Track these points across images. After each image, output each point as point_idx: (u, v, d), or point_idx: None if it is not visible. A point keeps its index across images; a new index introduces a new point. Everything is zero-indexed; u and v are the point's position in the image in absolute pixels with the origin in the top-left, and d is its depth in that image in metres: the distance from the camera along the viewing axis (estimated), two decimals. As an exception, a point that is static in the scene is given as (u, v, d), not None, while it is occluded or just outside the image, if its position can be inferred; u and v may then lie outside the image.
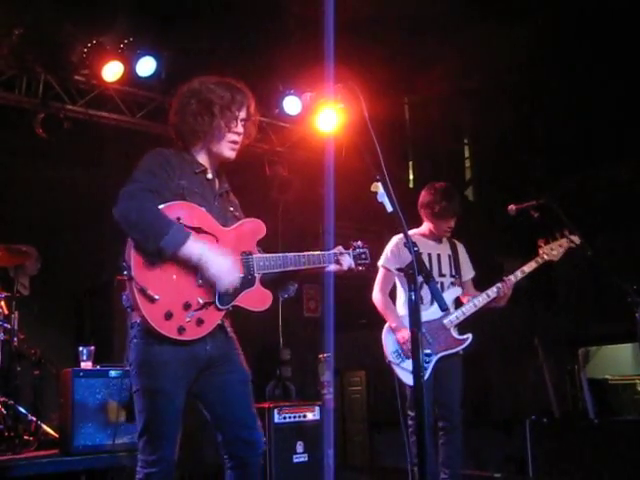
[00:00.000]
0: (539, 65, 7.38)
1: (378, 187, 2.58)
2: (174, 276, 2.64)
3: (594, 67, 6.77)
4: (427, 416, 2.59)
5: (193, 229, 2.68)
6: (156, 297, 2.57)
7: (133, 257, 2.61)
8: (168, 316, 2.59)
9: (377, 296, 4.39)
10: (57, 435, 4.96)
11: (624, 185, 6.88)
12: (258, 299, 2.82)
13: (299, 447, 5.30)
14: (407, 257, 4.23)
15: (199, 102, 2.87)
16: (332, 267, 2.98)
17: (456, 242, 4.59)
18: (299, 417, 5.40)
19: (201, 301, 2.67)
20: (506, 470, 6.25)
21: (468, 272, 4.55)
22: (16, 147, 6.65)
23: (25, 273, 6.01)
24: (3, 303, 5.37)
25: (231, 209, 2.97)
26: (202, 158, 2.94)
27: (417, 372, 2.22)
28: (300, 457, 5.29)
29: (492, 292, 4.28)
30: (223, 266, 2.66)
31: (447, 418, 4.23)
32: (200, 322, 2.67)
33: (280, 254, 2.88)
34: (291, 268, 2.89)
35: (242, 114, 2.91)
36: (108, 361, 5.13)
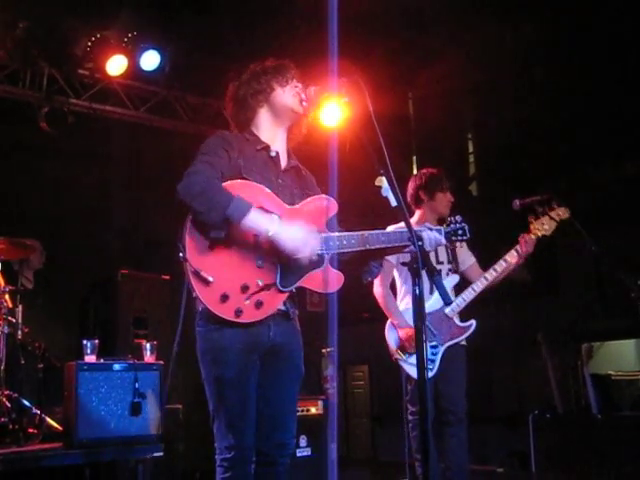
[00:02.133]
0: (543, 60, 7.36)
1: (382, 181, 2.58)
2: (231, 258, 2.57)
3: (599, 63, 6.74)
4: (430, 411, 2.58)
5: None
6: (210, 279, 2.51)
7: (188, 239, 2.56)
8: (224, 298, 2.53)
9: (378, 290, 4.36)
10: (61, 428, 4.97)
11: (629, 181, 6.86)
12: (327, 280, 2.68)
13: (302, 441, 5.31)
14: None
15: (252, 73, 2.92)
16: (413, 247, 2.72)
17: None
18: (302, 411, 5.41)
19: (260, 283, 2.58)
20: (509, 465, 6.26)
21: (468, 258, 4.52)
22: (20, 141, 6.66)
23: (29, 267, 6.03)
24: (7, 297, 5.37)
25: (299, 187, 2.88)
26: (265, 132, 2.89)
27: (422, 366, 2.22)
28: (303, 451, 5.30)
29: (490, 275, 4.21)
30: (298, 237, 2.58)
31: (452, 411, 4.21)
32: (259, 304, 2.58)
33: (357, 232, 2.72)
34: (368, 247, 2.71)
35: (295, 77, 2.93)
36: (112, 354, 5.14)
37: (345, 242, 2.68)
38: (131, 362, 4.79)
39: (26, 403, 5.10)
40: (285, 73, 2.91)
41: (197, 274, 2.51)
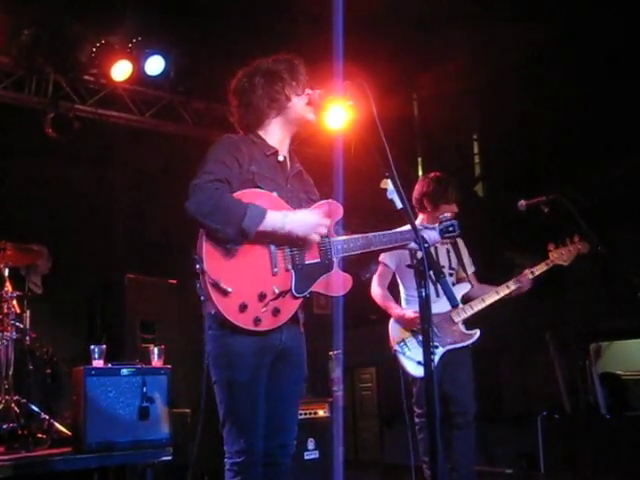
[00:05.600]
0: (548, 61, 7.34)
1: (387, 184, 2.58)
2: (247, 267, 2.60)
3: (604, 63, 6.73)
4: (427, 410, 2.58)
5: None
6: (229, 290, 2.53)
7: (205, 250, 2.57)
8: (242, 308, 2.56)
9: (376, 290, 4.40)
10: (70, 433, 4.98)
11: (635, 181, 6.83)
12: (337, 284, 2.74)
13: (310, 444, 5.31)
14: (404, 251, 4.28)
15: (264, 74, 2.88)
16: (414, 245, 2.85)
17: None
18: (310, 414, 5.41)
19: (277, 290, 2.62)
20: (517, 466, 6.24)
21: (469, 267, 4.54)
22: (26, 147, 6.69)
23: (37, 272, 6.05)
24: (15, 302, 5.40)
25: (305, 191, 2.92)
26: (273, 137, 2.89)
27: (428, 366, 2.22)
28: (311, 454, 5.30)
29: (502, 291, 4.27)
30: (307, 220, 2.65)
31: (460, 413, 4.21)
32: (276, 312, 2.62)
33: (361, 235, 2.80)
34: (373, 249, 2.82)
35: (306, 79, 2.93)
36: (120, 359, 5.15)
37: (352, 245, 2.76)
38: (139, 366, 4.80)
39: (35, 408, 5.12)
40: (299, 77, 2.88)
41: (216, 285, 2.53)
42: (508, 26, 6.95)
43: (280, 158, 2.86)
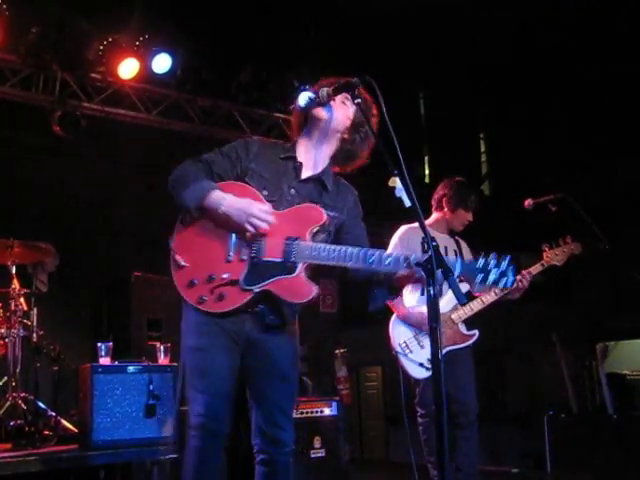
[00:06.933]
0: (556, 57, 7.33)
1: (396, 182, 2.57)
2: (206, 249, 2.69)
3: (613, 59, 6.72)
4: (436, 411, 2.56)
5: None
6: (182, 263, 2.68)
7: (177, 228, 2.76)
8: (190, 284, 2.66)
9: None
10: (76, 430, 4.99)
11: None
12: (295, 289, 2.64)
13: (316, 442, 5.31)
14: (416, 247, 4.24)
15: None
16: (404, 272, 2.67)
17: (459, 239, 4.60)
18: (316, 413, 5.41)
19: (225, 276, 2.64)
20: (524, 465, 6.23)
21: None
22: (33, 145, 6.70)
23: (43, 270, 6.06)
24: (22, 300, 5.41)
25: (320, 199, 2.83)
26: (302, 148, 2.91)
27: (437, 365, 2.21)
28: (317, 452, 5.30)
29: (499, 290, 4.26)
30: (243, 207, 2.64)
31: (463, 413, 4.20)
32: (221, 297, 2.64)
33: (338, 246, 2.66)
34: (351, 265, 2.63)
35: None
36: (126, 357, 5.15)
37: (323, 254, 2.63)
38: (145, 364, 4.81)
39: (42, 405, 5.13)
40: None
41: (174, 258, 2.70)
42: (514, 23, 6.95)
43: (296, 164, 2.87)
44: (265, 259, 2.66)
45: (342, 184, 2.97)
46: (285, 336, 2.82)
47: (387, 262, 2.62)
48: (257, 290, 2.64)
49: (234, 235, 2.69)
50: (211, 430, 2.68)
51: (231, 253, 2.67)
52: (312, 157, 2.90)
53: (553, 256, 4.28)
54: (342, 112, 2.88)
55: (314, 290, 2.63)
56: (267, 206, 2.69)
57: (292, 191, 2.81)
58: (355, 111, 2.84)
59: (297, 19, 6.57)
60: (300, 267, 2.65)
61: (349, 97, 2.82)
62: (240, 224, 2.64)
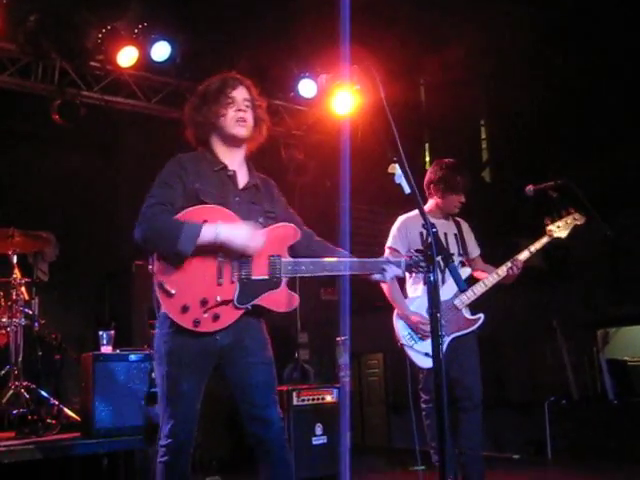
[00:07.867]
0: (556, 46, 7.29)
1: (395, 169, 2.56)
2: (194, 274, 2.76)
3: (613, 47, 6.68)
4: (435, 398, 2.58)
5: None
6: (172, 292, 2.73)
7: (156, 254, 2.80)
8: (184, 309, 2.73)
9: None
10: (79, 418, 5.02)
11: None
12: (282, 301, 2.89)
13: (318, 429, 5.33)
14: (414, 237, 4.25)
15: (198, 97, 3.11)
16: (377, 276, 3.03)
17: (460, 220, 4.54)
18: (318, 399, 5.43)
19: (219, 299, 2.77)
20: (525, 452, 6.26)
21: (474, 249, 4.52)
22: (33, 134, 6.69)
23: (44, 259, 6.07)
24: (24, 289, 5.42)
25: (260, 205, 3.01)
26: (223, 152, 3.02)
27: (437, 354, 2.22)
28: (319, 439, 5.32)
29: (502, 271, 4.23)
30: (243, 232, 2.76)
31: (467, 397, 4.19)
32: (216, 317, 2.78)
33: (315, 259, 2.95)
34: (327, 274, 2.96)
35: (240, 94, 3.04)
36: (128, 345, 5.18)
37: (303, 267, 2.91)
38: (147, 352, 4.83)
39: (44, 394, 5.16)
40: (228, 91, 3.03)
41: (161, 286, 2.75)
42: (516, 10, 6.90)
43: (229, 173, 2.98)
44: (254, 278, 2.84)
45: (262, 179, 3.14)
46: (257, 327, 2.97)
47: (358, 267, 3.00)
48: (249, 307, 2.83)
49: (221, 259, 2.80)
50: (178, 450, 2.82)
51: (222, 277, 2.79)
52: (237, 163, 3.04)
53: (556, 229, 4.20)
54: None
55: (296, 299, 2.92)
56: (250, 225, 2.83)
57: (237, 199, 2.95)
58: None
59: (299, 5, 6.54)
60: (284, 281, 2.89)
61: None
62: (242, 247, 2.77)
